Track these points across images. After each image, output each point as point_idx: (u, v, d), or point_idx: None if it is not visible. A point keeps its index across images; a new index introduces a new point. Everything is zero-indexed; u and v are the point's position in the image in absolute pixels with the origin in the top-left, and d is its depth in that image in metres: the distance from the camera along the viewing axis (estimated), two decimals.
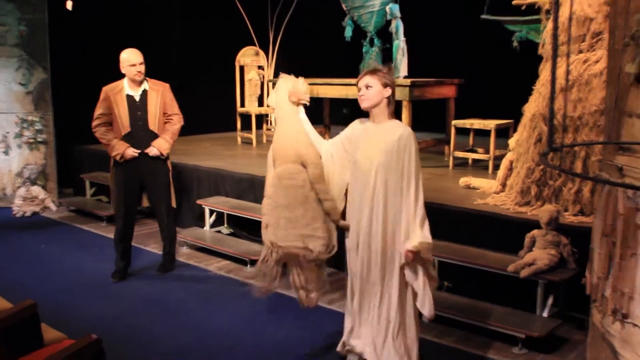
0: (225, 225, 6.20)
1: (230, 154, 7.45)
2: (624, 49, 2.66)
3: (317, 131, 3.47)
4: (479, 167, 6.38)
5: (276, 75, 7.44)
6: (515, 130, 5.26)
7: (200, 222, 6.24)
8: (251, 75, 8.41)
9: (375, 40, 7.16)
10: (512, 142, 5.21)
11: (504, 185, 5.07)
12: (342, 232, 3.41)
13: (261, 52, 8.50)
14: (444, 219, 4.67)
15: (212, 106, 8.87)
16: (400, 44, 6.70)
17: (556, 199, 4.53)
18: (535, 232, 4.16)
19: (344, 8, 7.23)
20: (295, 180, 3.28)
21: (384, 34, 7.03)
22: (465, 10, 7.16)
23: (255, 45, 8.49)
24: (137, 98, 4.87)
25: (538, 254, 4.03)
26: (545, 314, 3.97)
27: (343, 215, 3.38)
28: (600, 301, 2.88)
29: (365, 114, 3.31)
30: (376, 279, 3.26)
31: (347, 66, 8.07)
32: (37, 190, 7.35)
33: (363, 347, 3.37)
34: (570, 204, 4.45)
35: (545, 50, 4.74)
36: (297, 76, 3.45)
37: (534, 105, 4.70)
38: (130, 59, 4.80)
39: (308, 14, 8.67)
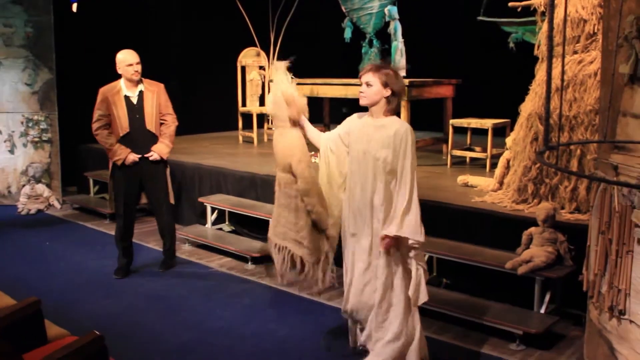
0: (227, 223, 6.23)
1: (232, 153, 7.48)
2: (618, 50, 2.71)
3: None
4: (477, 166, 6.41)
5: None
6: (512, 129, 5.28)
7: (202, 220, 6.28)
8: (252, 75, 8.45)
9: (374, 42, 7.19)
10: (509, 140, 5.25)
11: (501, 183, 5.11)
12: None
13: (262, 53, 8.53)
14: (442, 216, 4.71)
15: (213, 106, 8.92)
16: (398, 45, 6.74)
17: (553, 196, 4.57)
18: (532, 229, 4.19)
19: (344, 10, 7.27)
20: (289, 190, 3.37)
21: (383, 35, 7.07)
22: (462, 12, 7.21)
23: (256, 46, 8.52)
24: (135, 99, 4.89)
25: (535, 251, 4.06)
26: (542, 311, 3.99)
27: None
28: (597, 298, 2.92)
29: (364, 111, 3.37)
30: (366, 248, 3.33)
31: (346, 67, 8.14)
32: (41, 188, 7.40)
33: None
34: (567, 201, 4.50)
35: (541, 51, 4.78)
36: (296, 76, 3.51)
37: (530, 105, 4.74)
38: (127, 59, 4.81)
39: (308, 15, 8.70)
